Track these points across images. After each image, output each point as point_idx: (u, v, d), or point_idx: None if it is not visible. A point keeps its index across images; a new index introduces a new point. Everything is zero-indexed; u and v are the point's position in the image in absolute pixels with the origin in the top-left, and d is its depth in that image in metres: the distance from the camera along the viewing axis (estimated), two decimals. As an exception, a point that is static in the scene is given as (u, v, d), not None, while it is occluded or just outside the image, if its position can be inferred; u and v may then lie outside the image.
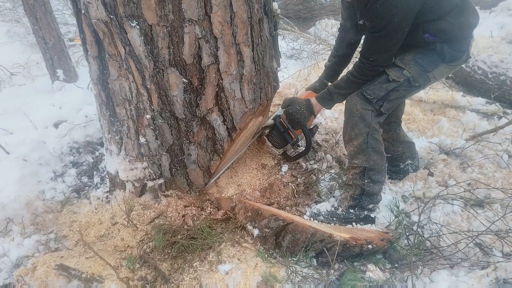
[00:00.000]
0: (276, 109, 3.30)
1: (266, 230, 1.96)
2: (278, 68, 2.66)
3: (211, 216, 2.20)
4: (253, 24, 2.15)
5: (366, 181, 2.22)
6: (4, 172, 2.58)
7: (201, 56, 2.01)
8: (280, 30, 5.30)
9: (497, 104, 3.66)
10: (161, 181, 2.32)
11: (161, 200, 2.31)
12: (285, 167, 2.55)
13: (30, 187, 2.56)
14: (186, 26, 1.93)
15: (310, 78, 4.38)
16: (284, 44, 5.46)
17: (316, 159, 2.78)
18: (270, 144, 2.53)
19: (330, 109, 2.43)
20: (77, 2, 2.03)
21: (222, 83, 2.12)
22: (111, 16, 1.89)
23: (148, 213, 2.25)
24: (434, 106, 3.86)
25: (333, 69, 2.66)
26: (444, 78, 2.34)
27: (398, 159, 2.75)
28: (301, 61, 5.17)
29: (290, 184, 2.43)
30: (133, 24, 1.89)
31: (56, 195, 2.55)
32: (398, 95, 2.17)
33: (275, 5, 2.44)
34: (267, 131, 2.52)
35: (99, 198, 2.49)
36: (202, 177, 2.30)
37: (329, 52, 4.87)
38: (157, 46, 1.95)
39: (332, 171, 2.66)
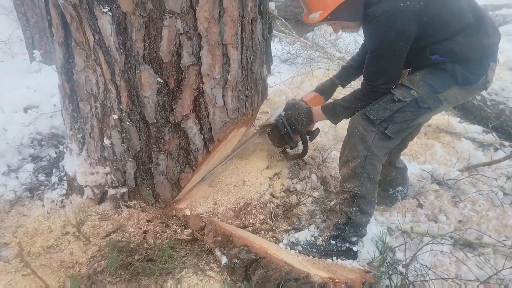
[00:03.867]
0: (264, 116, 3.09)
1: (236, 260, 1.73)
2: (268, 74, 2.44)
3: (176, 235, 1.95)
4: (245, 23, 1.93)
5: (354, 209, 2.01)
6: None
7: (181, 55, 1.77)
8: (276, 32, 5.05)
9: (494, 134, 3.50)
10: (124, 190, 2.06)
11: (122, 211, 2.05)
12: (265, 185, 2.31)
13: (-23, 181, 2.27)
14: (166, 19, 1.68)
15: (303, 86, 4.16)
16: (279, 47, 5.21)
17: (300, 177, 2.55)
18: (270, 142, 2.53)
19: (335, 124, 2.28)
20: (43, -22, 1.76)
21: (202, 87, 1.89)
22: (80, -2, 1.63)
23: (105, 225, 1.99)
24: (429, 130, 3.67)
25: (347, 70, 2.54)
26: (460, 103, 2.17)
27: (389, 184, 2.56)
28: (295, 67, 4.92)
29: (268, 205, 2.19)
30: (105, 10, 1.64)
31: (5, 193, 2.25)
32: (405, 117, 1.98)
33: (272, 5, 2.21)
34: (268, 129, 2.48)
35: (53, 201, 2.20)
36: (170, 190, 2.05)
37: (325, 60, 4.71)
38: (130, 38, 1.70)
39: (316, 193, 2.44)
